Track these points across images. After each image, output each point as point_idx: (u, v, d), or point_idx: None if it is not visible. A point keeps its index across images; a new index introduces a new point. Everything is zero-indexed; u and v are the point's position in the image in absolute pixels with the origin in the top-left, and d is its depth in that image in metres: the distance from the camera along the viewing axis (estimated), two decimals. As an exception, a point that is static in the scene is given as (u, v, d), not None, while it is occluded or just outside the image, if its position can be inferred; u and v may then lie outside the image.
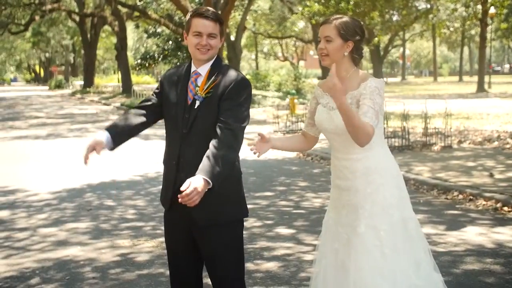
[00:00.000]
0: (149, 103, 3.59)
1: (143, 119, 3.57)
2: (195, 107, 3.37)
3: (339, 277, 3.45)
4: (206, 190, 3.10)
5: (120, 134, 3.53)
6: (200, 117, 3.35)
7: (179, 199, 3.05)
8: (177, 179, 3.41)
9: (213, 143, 3.22)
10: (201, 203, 3.15)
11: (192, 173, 3.19)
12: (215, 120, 3.31)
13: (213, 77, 3.39)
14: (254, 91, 29.01)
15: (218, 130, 3.26)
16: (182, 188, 3.05)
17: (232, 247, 3.46)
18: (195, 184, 3.04)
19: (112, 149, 3.50)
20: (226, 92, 3.34)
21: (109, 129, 3.50)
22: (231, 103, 3.33)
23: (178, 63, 33.29)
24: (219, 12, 25.29)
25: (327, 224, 3.64)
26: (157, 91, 3.61)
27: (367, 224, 3.39)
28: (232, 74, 3.42)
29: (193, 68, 3.47)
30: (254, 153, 3.57)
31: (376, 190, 3.42)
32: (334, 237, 3.54)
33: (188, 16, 3.48)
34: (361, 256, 3.36)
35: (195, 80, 3.43)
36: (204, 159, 3.16)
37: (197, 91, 3.39)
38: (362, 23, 3.58)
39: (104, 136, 3.44)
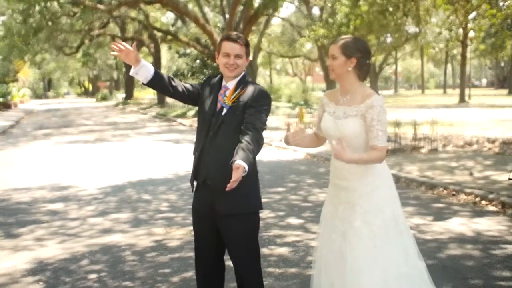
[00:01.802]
0: (188, 85, 3.64)
1: (174, 88, 3.56)
2: (222, 114, 3.44)
3: (338, 263, 3.43)
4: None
5: (159, 79, 3.53)
6: (225, 122, 3.41)
7: (227, 188, 3.07)
8: (199, 173, 3.49)
9: (245, 138, 3.24)
10: (224, 195, 3.18)
11: (215, 170, 3.26)
12: (238, 125, 3.35)
13: (238, 89, 3.46)
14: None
15: (246, 130, 3.30)
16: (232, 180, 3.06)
17: (248, 234, 3.48)
18: (239, 170, 3.05)
19: (145, 78, 3.50)
20: (249, 101, 3.40)
21: (156, 71, 3.53)
22: (253, 109, 3.38)
23: (204, 79, 33.41)
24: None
25: (325, 218, 3.61)
26: (197, 86, 3.65)
27: (362, 219, 3.36)
28: (254, 86, 3.49)
29: (223, 83, 3.53)
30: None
31: (372, 191, 3.39)
32: (331, 229, 3.51)
33: (219, 40, 3.54)
34: (356, 247, 3.34)
35: (224, 93, 3.49)
36: (240, 150, 3.16)
37: (225, 100, 3.45)
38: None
39: (152, 68, 3.50)
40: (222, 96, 3.49)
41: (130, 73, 3.55)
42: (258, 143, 3.28)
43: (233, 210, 3.40)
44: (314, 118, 17.78)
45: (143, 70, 3.48)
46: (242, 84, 3.49)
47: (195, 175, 3.55)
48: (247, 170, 3.09)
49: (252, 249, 3.51)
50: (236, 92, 3.45)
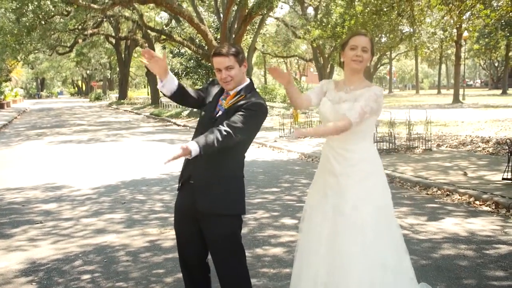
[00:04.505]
0: (199, 92, 3.65)
1: (191, 98, 3.58)
2: (217, 115, 3.45)
3: (326, 251, 3.42)
4: (192, 156, 3.09)
5: (181, 92, 3.52)
6: (217, 123, 3.39)
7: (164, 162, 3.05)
8: (185, 171, 3.52)
9: (214, 129, 3.21)
10: (206, 194, 3.25)
11: (199, 169, 3.29)
12: None
13: (238, 96, 3.44)
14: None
15: (221, 125, 3.25)
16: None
17: (228, 237, 3.45)
18: (184, 147, 3.05)
19: (169, 91, 3.47)
20: (240, 107, 3.36)
21: (179, 84, 3.51)
22: (240, 112, 3.34)
23: (198, 79, 33.31)
24: (233, 36, 25.33)
25: (312, 206, 3.60)
26: (201, 93, 3.65)
27: (353, 205, 3.38)
28: (253, 96, 3.44)
29: (225, 89, 3.53)
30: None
31: (364, 178, 3.43)
32: (318, 216, 3.52)
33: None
34: (344, 234, 3.36)
35: (225, 98, 3.50)
36: (204, 134, 3.18)
37: (222, 103, 3.47)
38: None
39: (175, 80, 3.47)
40: (223, 100, 3.50)
41: (158, 87, 3.50)
42: (227, 136, 3.20)
43: (213, 209, 3.38)
44: (309, 119, 17.80)
45: (170, 83, 3.44)
46: (243, 92, 3.46)
47: (182, 173, 3.57)
48: (192, 153, 3.07)
49: (232, 252, 3.49)
50: (235, 98, 3.44)
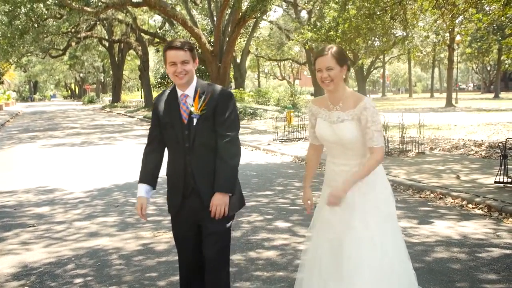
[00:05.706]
0: (155, 133, 3.64)
1: (157, 156, 3.71)
2: (194, 124, 3.44)
3: (335, 263, 3.47)
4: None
5: (152, 179, 3.74)
6: (199, 130, 3.43)
7: (212, 216, 3.40)
8: (185, 185, 3.51)
9: (221, 156, 3.39)
10: (210, 198, 3.41)
11: (201, 178, 3.38)
12: (211, 131, 3.42)
13: (203, 97, 3.45)
14: (256, 106, 28.98)
15: (220, 143, 3.41)
16: (212, 212, 3.39)
17: (225, 232, 3.56)
18: (219, 204, 3.38)
19: (153, 190, 3.73)
20: (217, 107, 3.42)
21: (144, 180, 3.70)
22: (223, 116, 3.42)
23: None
24: (227, 39, 25.34)
25: (321, 219, 3.65)
26: (154, 122, 3.64)
27: (360, 219, 3.43)
28: (217, 90, 3.50)
29: (179, 92, 3.51)
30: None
31: (369, 190, 3.46)
32: (329, 230, 3.56)
33: (163, 50, 3.53)
34: (354, 246, 3.40)
35: (186, 101, 3.48)
36: (219, 174, 3.38)
37: (192, 111, 3.44)
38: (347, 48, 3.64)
39: (144, 191, 3.66)
40: (185, 104, 3.47)
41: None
42: (235, 154, 3.45)
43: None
44: (302, 122, 17.80)
45: (147, 194, 3.70)
46: (203, 89, 3.48)
47: (185, 180, 3.53)
48: (231, 194, 3.44)
49: (224, 246, 3.56)
50: (202, 100, 3.43)
